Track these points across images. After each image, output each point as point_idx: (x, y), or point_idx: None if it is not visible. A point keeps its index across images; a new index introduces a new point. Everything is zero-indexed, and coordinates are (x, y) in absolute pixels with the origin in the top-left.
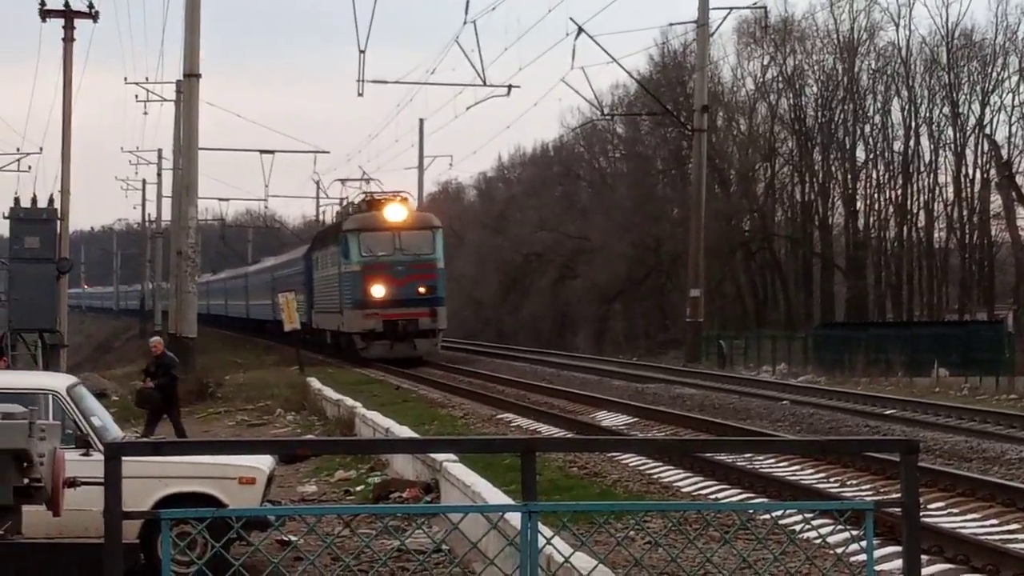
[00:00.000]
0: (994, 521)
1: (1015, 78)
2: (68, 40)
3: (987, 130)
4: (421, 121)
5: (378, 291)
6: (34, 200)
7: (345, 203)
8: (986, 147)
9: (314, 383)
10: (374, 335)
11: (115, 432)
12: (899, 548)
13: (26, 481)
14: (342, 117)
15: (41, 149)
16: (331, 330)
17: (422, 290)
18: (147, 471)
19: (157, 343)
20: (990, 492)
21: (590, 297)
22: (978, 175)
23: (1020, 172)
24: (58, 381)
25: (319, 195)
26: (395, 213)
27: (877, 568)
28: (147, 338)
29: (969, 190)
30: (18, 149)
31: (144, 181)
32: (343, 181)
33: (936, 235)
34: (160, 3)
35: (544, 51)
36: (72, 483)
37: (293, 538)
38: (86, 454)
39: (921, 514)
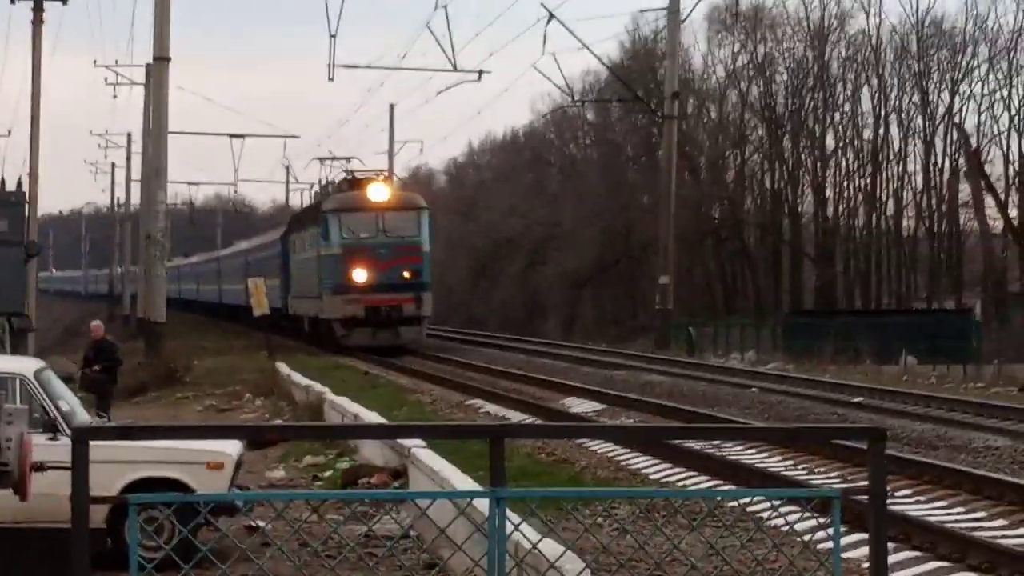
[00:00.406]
0: (960, 509)
1: (984, 67)
2: (37, 23)
3: (956, 119)
4: (391, 106)
5: (360, 275)
6: (2, 183)
7: (324, 183)
8: (955, 136)
9: (283, 368)
10: (355, 322)
11: (83, 417)
12: (866, 535)
13: None
14: (313, 102)
15: (9, 132)
16: (309, 316)
17: (407, 275)
18: (114, 456)
19: (97, 327)
20: (957, 480)
21: (560, 283)
22: (947, 164)
23: (989, 161)
24: (25, 365)
25: (289, 180)
26: (378, 193)
27: (844, 555)
28: (115, 322)
29: (938, 179)
30: None
31: (113, 165)
32: (321, 160)
33: (905, 223)
34: None
35: (515, 36)
36: (39, 467)
37: (261, 523)
38: (53, 438)
39: (888, 502)
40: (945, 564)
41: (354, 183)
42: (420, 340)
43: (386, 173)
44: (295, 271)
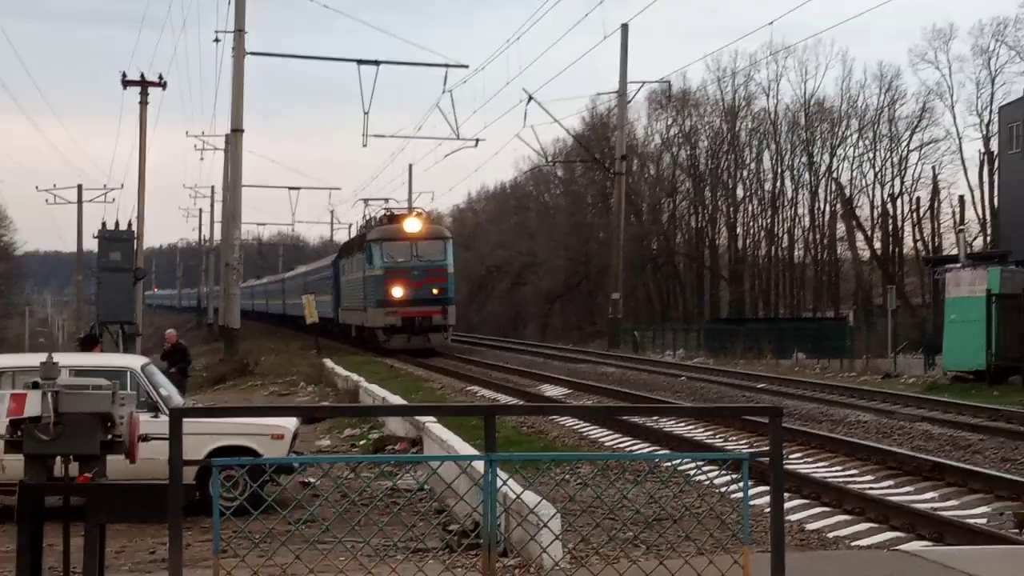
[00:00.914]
0: (838, 468)
1: (855, 136)
2: (143, 103)
3: (834, 174)
4: (410, 166)
5: (398, 292)
6: (116, 224)
7: (368, 218)
8: (833, 188)
9: (328, 363)
10: (394, 329)
11: (177, 399)
12: (767, 487)
13: (110, 437)
14: (351, 162)
15: (122, 185)
16: (356, 325)
17: (435, 291)
18: (201, 429)
19: (171, 334)
20: (835, 446)
21: (536, 299)
22: (827, 208)
23: (858, 206)
24: (134, 361)
25: (333, 221)
26: (412, 225)
27: (751, 503)
28: (202, 329)
29: (821, 220)
30: (104, 186)
31: (200, 210)
32: (365, 200)
33: (796, 253)
34: (214, 73)
35: (503, 113)
36: (144, 438)
37: (312, 480)
38: (155, 416)
39: (783, 462)
40: (827, 509)
41: (392, 218)
42: (446, 344)
43: (419, 209)
44: (344, 289)
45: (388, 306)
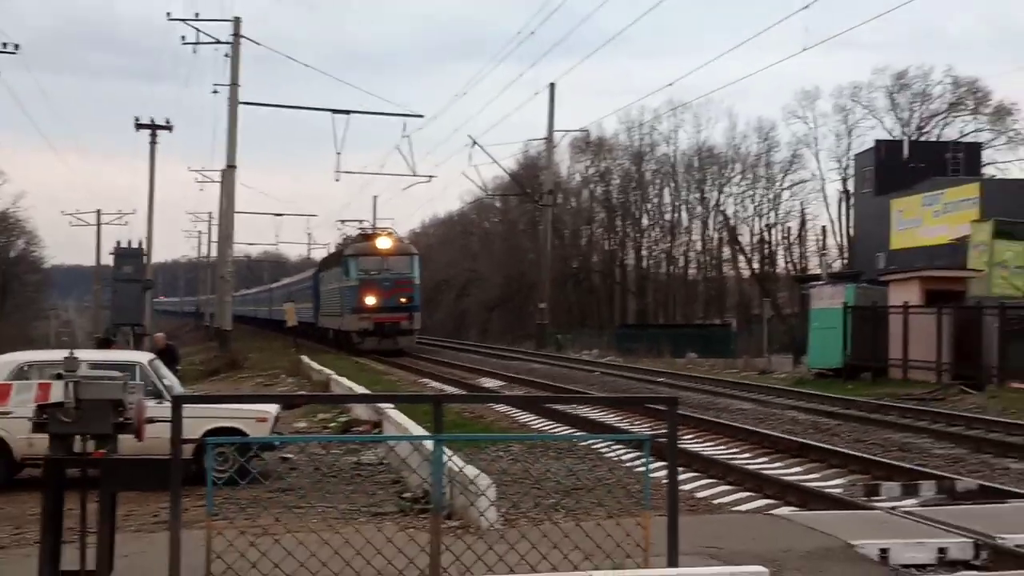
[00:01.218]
0: (722, 447)
1: (738, 176)
2: (153, 143)
3: (721, 208)
4: (375, 197)
5: (370, 300)
6: (129, 243)
7: (345, 237)
8: (720, 219)
9: (305, 359)
10: (367, 332)
11: (178, 389)
12: (665, 463)
13: (121, 419)
14: (325, 194)
15: (135, 210)
16: (333, 328)
17: (403, 300)
18: (197, 413)
19: (160, 337)
20: (720, 429)
21: (477, 308)
22: (715, 236)
23: (740, 234)
24: (142, 357)
25: (310, 242)
26: (384, 243)
27: (652, 475)
28: (199, 330)
29: (710, 244)
30: (119, 211)
31: (200, 232)
32: (343, 221)
33: (689, 272)
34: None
35: (451, 155)
36: (150, 420)
37: (290, 456)
38: (159, 402)
39: (678, 442)
40: (713, 481)
41: (366, 236)
42: (412, 346)
43: (389, 229)
44: (323, 297)
45: (362, 312)
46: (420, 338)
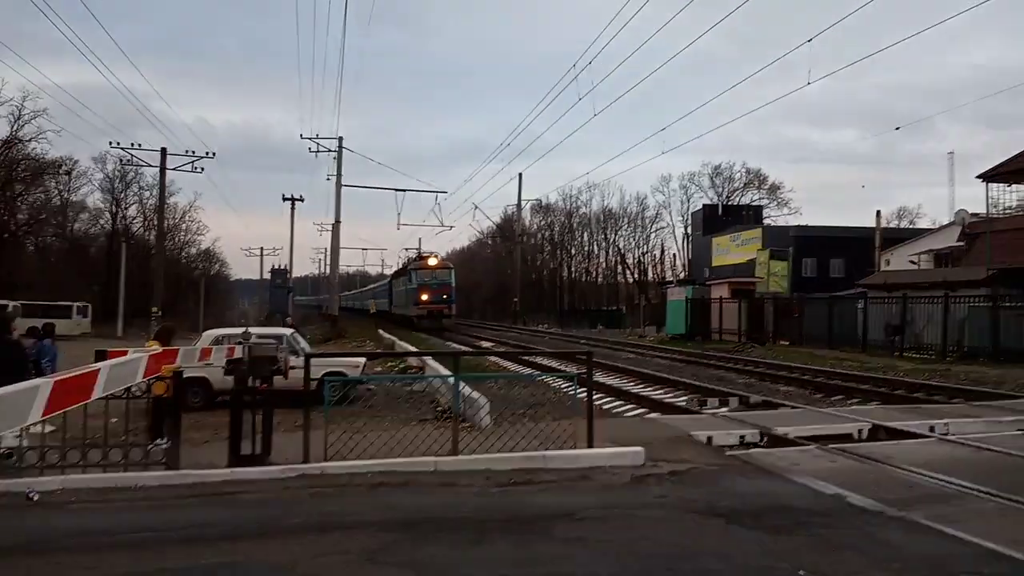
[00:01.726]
0: (617, 379)
1: (626, 225)
2: (292, 208)
3: (616, 244)
4: (419, 239)
5: (425, 297)
6: (279, 265)
7: (408, 259)
8: (615, 250)
9: (381, 331)
10: (423, 317)
11: (308, 349)
12: (585, 389)
13: (275, 367)
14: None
15: (282, 248)
16: (400, 314)
17: (444, 297)
18: (319, 363)
19: (290, 321)
20: (616, 370)
21: (478, 302)
22: (615, 261)
23: (628, 258)
24: (287, 331)
25: (383, 264)
26: (432, 261)
27: (578, 396)
28: (321, 316)
29: (610, 265)
30: (274, 248)
31: (320, 259)
32: (407, 249)
33: (599, 279)
34: (327, 194)
35: (464, 213)
36: (292, 368)
37: (372, 387)
38: (297, 357)
39: (593, 377)
40: (613, 399)
41: (422, 257)
42: (450, 325)
43: (436, 253)
44: (395, 296)
45: (419, 304)
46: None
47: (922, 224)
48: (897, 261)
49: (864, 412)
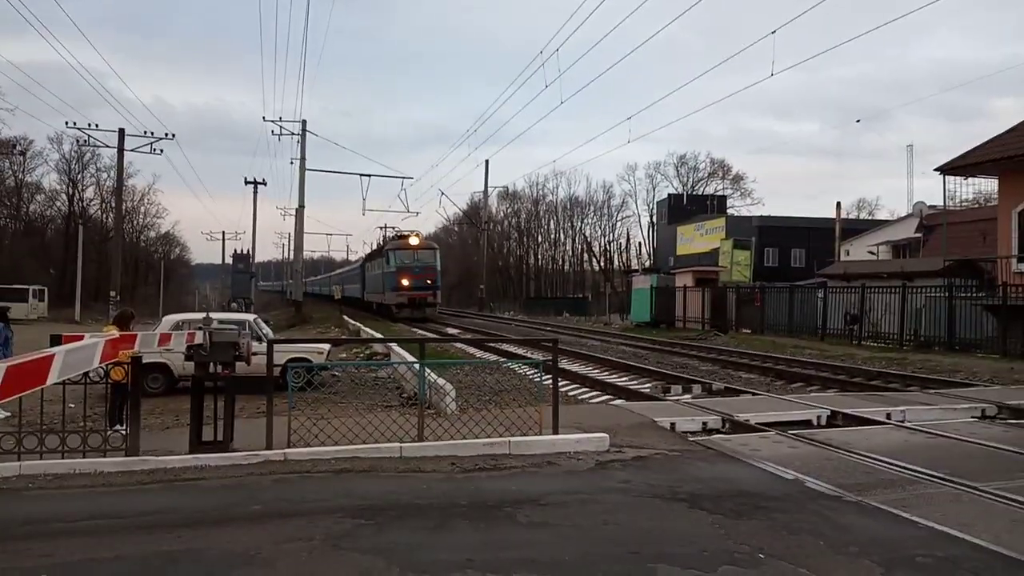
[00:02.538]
0: (582, 366)
1: (593, 214)
2: (255, 192)
3: (583, 231)
4: (385, 225)
5: (405, 282)
6: (242, 250)
7: (384, 238)
8: (581, 238)
9: (345, 318)
10: (403, 305)
11: (271, 335)
12: (550, 376)
13: (237, 353)
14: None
15: (245, 231)
16: (376, 302)
17: (428, 282)
18: (282, 349)
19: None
20: (582, 357)
21: (445, 288)
22: (580, 247)
23: (594, 246)
24: (250, 316)
25: (348, 250)
26: (414, 240)
27: (545, 383)
28: (285, 302)
29: (576, 252)
30: (235, 232)
31: (284, 243)
32: (383, 227)
33: (565, 267)
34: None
35: (429, 200)
36: (254, 353)
37: (338, 373)
38: (260, 343)
39: (559, 364)
40: (578, 385)
41: (402, 236)
42: (435, 315)
43: (417, 232)
44: (368, 280)
45: (399, 290)
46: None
47: (881, 215)
48: (856, 251)
49: (823, 399)
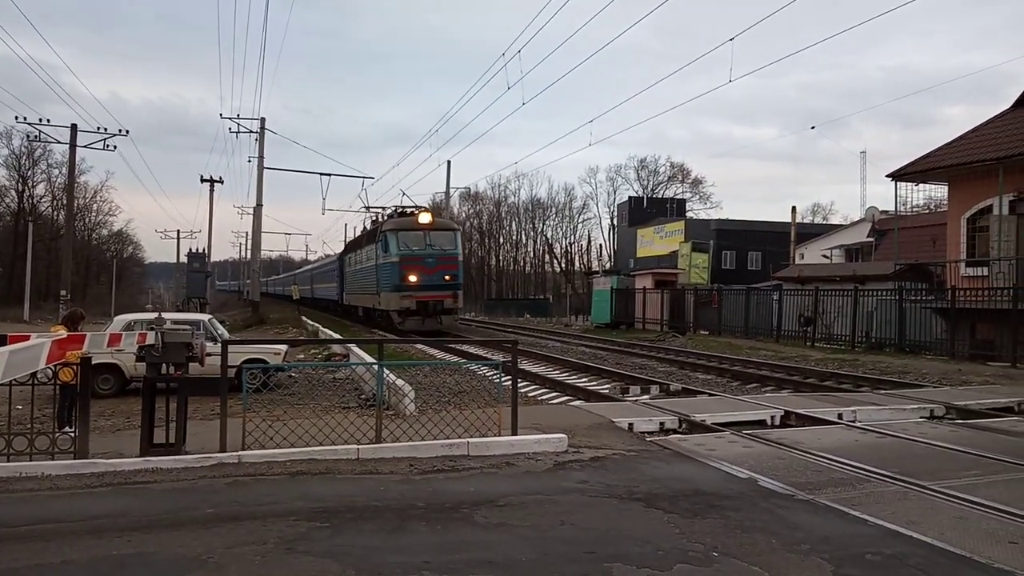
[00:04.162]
0: (542, 366)
1: (554, 216)
2: (211, 190)
3: (544, 233)
4: (345, 225)
5: (414, 277)
6: (197, 249)
7: (378, 216)
8: (543, 239)
9: (304, 318)
10: (409, 312)
11: (226, 336)
12: (509, 377)
13: (190, 353)
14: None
15: (201, 230)
16: (364, 307)
17: (448, 278)
18: (238, 350)
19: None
20: (542, 359)
21: None
22: (542, 249)
23: (555, 247)
24: (204, 317)
25: (307, 249)
26: (426, 217)
27: (503, 384)
28: (242, 302)
29: (538, 254)
30: (191, 231)
31: (241, 243)
32: (367, 208)
33: (527, 268)
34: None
35: (390, 200)
36: (208, 354)
37: (295, 375)
38: (215, 343)
39: (518, 364)
40: (537, 386)
41: (404, 214)
42: (455, 325)
43: (428, 207)
44: (350, 277)
45: (404, 291)
46: None
47: (835, 220)
48: (811, 255)
49: (777, 399)
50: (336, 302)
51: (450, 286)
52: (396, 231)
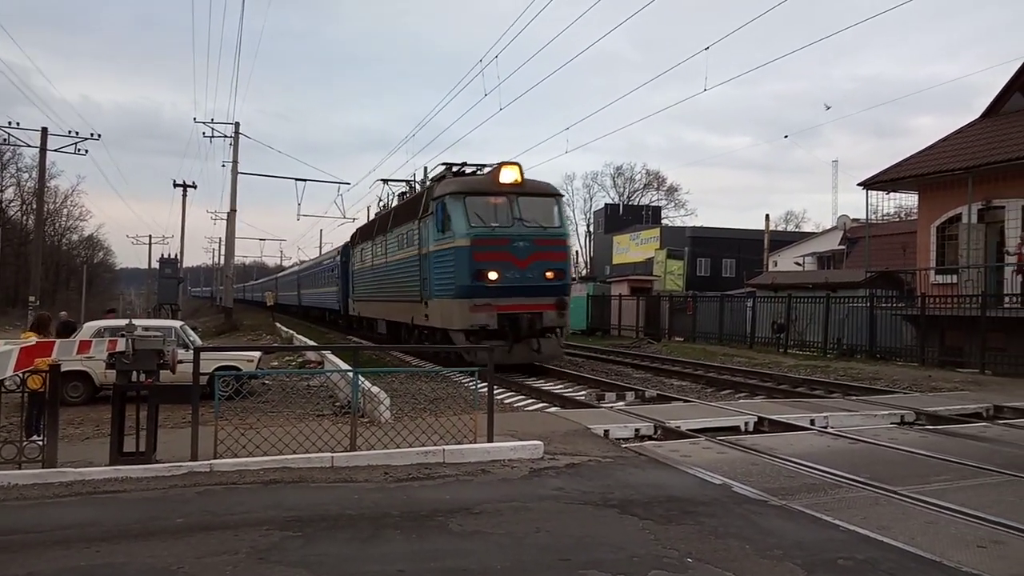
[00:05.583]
0: (519, 375)
1: None
2: (184, 195)
3: None
4: (321, 231)
5: (494, 275)
6: (169, 255)
7: (425, 178)
8: None
9: (278, 324)
10: (488, 331)
11: (199, 342)
12: (486, 384)
13: (162, 361)
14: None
15: (173, 235)
16: (390, 321)
17: (550, 274)
18: (210, 357)
19: (63, 315)
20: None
21: None
22: None
23: None
24: (176, 323)
25: (281, 255)
26: (510, 174)
27: (480, 391)
28: (215, 308)
29: None
30: (163, 236)
31: (214, 248)
32: (386, 181)
33: None
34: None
35: (367, 205)
36: (180, 361)
37: (268, 382)
38: (187, 351)
39: (493, 373)
40: (514, 392)
41: (463, 174)
42: (559, 353)
43: (512, 161)
44: (361, 278)
45: (477, 295)
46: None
47: (807, 228)
48: (784, 262)
49: (751, 406)
50: (337, 312)
51: (553, 288)
52: (462, 195)
